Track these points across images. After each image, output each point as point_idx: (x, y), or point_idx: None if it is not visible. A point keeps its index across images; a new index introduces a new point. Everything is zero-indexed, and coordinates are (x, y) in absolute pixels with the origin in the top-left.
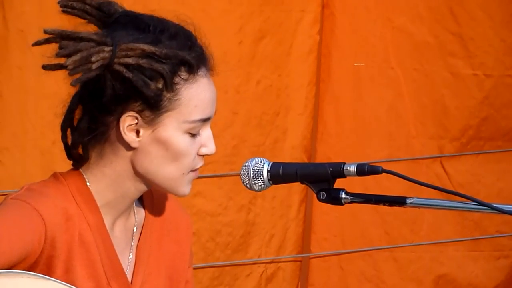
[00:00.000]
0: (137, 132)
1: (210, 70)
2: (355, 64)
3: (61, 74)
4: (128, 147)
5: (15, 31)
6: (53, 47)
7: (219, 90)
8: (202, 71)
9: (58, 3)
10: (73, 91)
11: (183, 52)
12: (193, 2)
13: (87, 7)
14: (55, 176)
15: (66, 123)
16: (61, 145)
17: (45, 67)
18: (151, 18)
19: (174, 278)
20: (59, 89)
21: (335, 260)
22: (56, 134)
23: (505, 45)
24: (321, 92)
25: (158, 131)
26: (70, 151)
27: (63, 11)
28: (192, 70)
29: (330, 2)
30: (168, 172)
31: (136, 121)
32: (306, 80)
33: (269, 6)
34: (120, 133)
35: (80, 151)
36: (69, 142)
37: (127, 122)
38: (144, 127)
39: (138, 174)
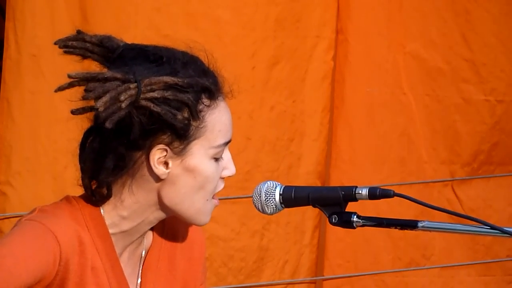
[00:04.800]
0: (166, 164)
1: (224, 93)
2: (368, 90)
3: (74, 99)
4: (157, 179)
5: (28, 55)
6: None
7: (233, 115)
8: (220, 96)
9: (55, 43)
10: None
11: (202, 79)
12: (206, 28)
13: (88, 44)
14: (67, 199)
15: (89, 165)
16: (73, 170)
17: (74, 112)
18: (157, 48)
19: None
20: (71, 114)
21: (348, 285)
22: (68, 159)
23: None
24: (335, 118)
25: (187, 160)
26: (93, 192)
27: (65, 52)
28: (212, 96)
29: (344, 28)
30: (194, 200)
31: (165, 153)
32: (320, 106)
33: (284, 32)
34: (148, 167)
35: (104, 190)
36: (87, 182)
37: (157, 155)
38: (173, 158)
39: (162, 204)
